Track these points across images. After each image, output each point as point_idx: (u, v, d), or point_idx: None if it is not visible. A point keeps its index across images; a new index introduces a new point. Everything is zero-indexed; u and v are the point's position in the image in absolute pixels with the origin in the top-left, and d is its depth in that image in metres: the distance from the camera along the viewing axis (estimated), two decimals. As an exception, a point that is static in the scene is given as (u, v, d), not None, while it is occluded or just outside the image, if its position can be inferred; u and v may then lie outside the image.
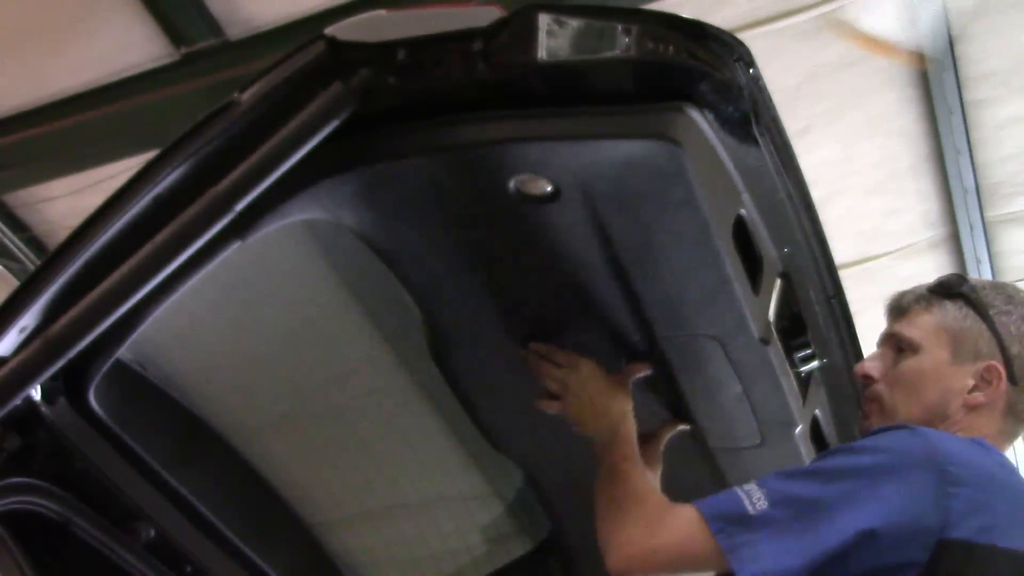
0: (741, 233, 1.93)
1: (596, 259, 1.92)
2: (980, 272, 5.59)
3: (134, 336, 1.89)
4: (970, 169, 5.17)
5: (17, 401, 1.82)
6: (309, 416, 2.51)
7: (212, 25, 4.87)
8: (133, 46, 4.98)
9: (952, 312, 1.91)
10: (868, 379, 1.95)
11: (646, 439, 2.20)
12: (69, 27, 4.90)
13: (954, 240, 5.54)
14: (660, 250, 1.90)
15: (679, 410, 2.26)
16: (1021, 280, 5.67)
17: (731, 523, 1.66)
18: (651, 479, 2.06)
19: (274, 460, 2.55)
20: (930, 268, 5.69)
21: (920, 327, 1.93)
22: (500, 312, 2.13)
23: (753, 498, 1.67)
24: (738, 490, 1.71)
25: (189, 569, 2.29)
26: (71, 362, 1.78)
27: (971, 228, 5.43)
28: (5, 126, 5.27)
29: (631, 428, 2.04)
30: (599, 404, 2.06)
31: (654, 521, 1.76)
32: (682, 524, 1.72)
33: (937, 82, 4.80)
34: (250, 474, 2.52)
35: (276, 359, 2.38)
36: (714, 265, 1.89)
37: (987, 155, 5.17)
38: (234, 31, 4.90)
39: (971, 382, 1.87)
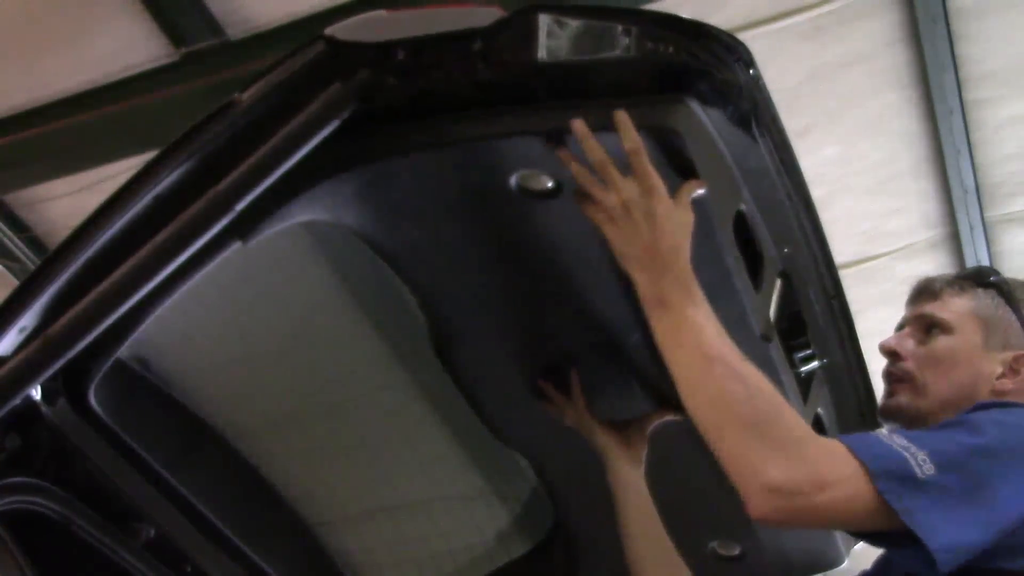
0: (742, 229, 1.93)
1: (598, 253, 1.92)
2: (980, 272, 5.59)
3: (134, 336, 1.89)
4: (970, 169, 5.17)
5: (17, 401, 1.82)
6: (309, 416, 2.51)
7: (212, 25, 4.87)
8: (133, 46, 4.98)
9: (985, 300, 1.94)
10: (895, 355, 1.94)
11: (632, 423, 2.20)
12: (69, 27, 4.90)
13: (954, 240, 5.54)
14: None
15: (679, 406, 2.26)
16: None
17: (900, 483, 1.53)
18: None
19: (274, 460, 2.55)
20: (930, 268, 5.68)
21: (953, 310, 1.94)
22: (503, 307, 2.13)
23: (918, 458, 1.55)
24: (889, 442, 1.58)
25: (189, 569, 2.29)
26: (71, 362, 1.78)
27: (971, 228, 5.43)
28: (5, 126, 5.27)
29: (693, 281, 1.71)
30: (663, 235, 1.69)
31: (822, 468, 1.53)
32: (849, 477, 1.53)
33: (937, 82, 4.80)
34: (250, 474, 2.52)
35: (276, 359, 2.38)
36: (715, 259, 1.89)
37: (987, 155, 5.17)
38: (234, 31, 4.90)
39: (1000, 369, 1.88)
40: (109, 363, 1.95)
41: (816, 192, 2.06)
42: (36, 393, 1.94)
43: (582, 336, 2.17)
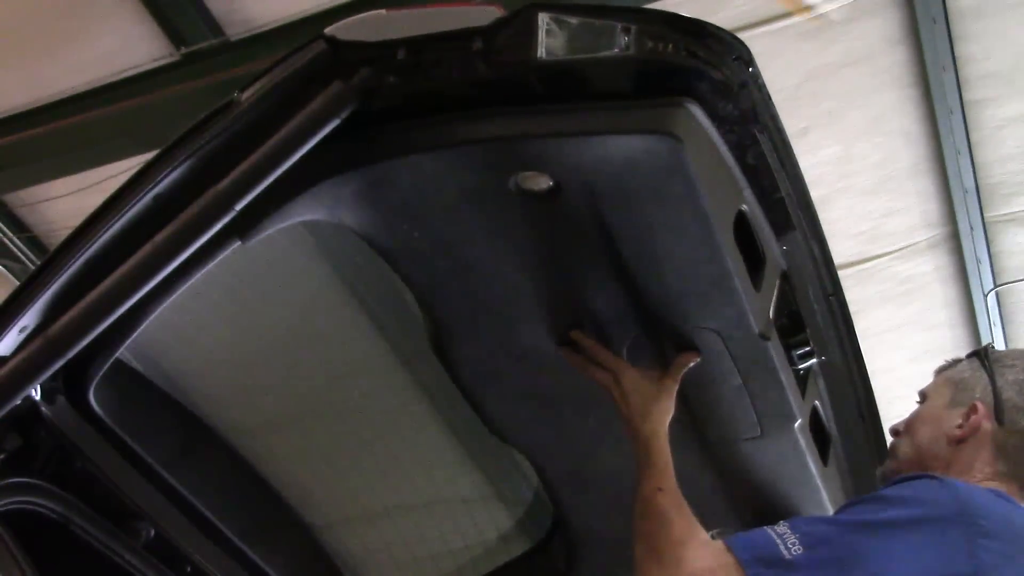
0: (742, 229, 1.93)
1: (597, 254, 1.92)
2: (980, 272, 5.59)
3: (134, 336, 1.89)
4: (970, 169, 5.17)
5: (17, 401, 1.82)
6: (309, 416, 2.52)
7: (212, 25, 4.87)
8: (133, 46, 4.98)
9: (963, 366, 2.12)
10: (895, 432, 2.15)
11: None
12: (69, 27, 4.90)
13: (954, 240, 5.54)
14: (661, 244, 1.90)
15: (680, 402, 2.26)
16: (1021, 280, 5.68)
17: (767, 566, 1.67)
18: (686, 509, 2.01)
19: (274, 460, 2.55)
20: (930, 268, 5.69)
21: (933, 381, 2.16)
22: (502, 306, 2.13)
23: (788, 542, 1.68)
24: (770, 531, 1.72)
25: (189, 569, 2.29)
26: (71, 362, 1.78)
27: (971, 228, 5.43)
28: (5, 126, 5.28)
29: (663, 446, 2.04)
30: (639, 409, 2.07)
31: (684, 553, 1.76)
32: (711, 560, 1.73)
33: (937, 82, 4.80)
34: (250, 474, 2.52)
35: (276, 359, 2.38)
36: (715, 260, 1.89)
37: (987, 155, 5.17)
38: (234, 31, 4.90)
39: (958, 421, 2.02)
40: (109, 363, 1.95)
41: (816, 192, 2.07)
42: (36, 393, 1.94)
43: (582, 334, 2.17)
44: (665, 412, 2.06)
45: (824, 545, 1.68)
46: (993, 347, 2.16)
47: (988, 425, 1.99)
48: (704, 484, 2.34)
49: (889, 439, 2.20)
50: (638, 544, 1.89)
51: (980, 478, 1.94)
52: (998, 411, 1.99)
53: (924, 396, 2.14)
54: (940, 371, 2.18)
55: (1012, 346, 6.06)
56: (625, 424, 2.07)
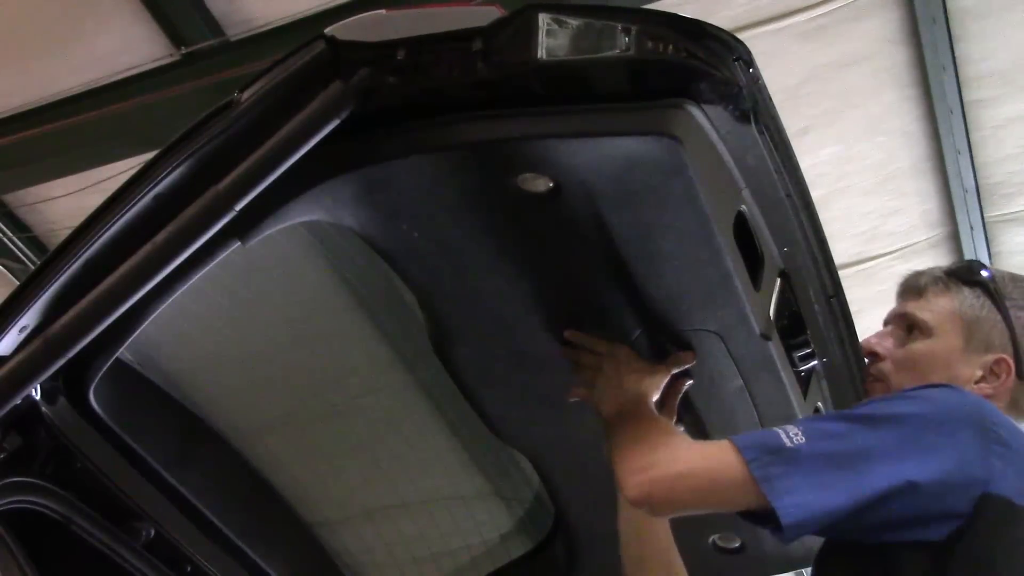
0: (742, 230, 1.93)
1: (597, 255, 1.92)
2: (980, 272, 5.59)
3: (134, 336, 1.89)
4: (970, 169, 5.17)
5: (17, 400, 1.82)
6: (309, 416, 2.52)
7: (212, 25, 4.87)
8: (133, 46, 4.98)
9: (970, 299, 1.87)
10: (874, 356, 1.91)
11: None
12: (69, 27, 4.90)
13: (954, 240, 5.54)
14: (661, 246, 1.91)
15: (681, 404, 2.26)
16: (1021, 280, 5.68)
17: (766, 453, 1.58)
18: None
19: (274, 460, 2.55)
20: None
21: (935, 310, 1.88)
22: (502, 307, 2.13)
23: (790, 433, 1.60)
24: (775, 428, 1.65)
25: (189, 569, 2.30)
26: (71, 362, 1.78)
27: (971, 228, 5.43)
28: (5, 126, 5.28)
29: (651, 408, 1.94)
30: (627, 386, 1.96)
31: (681, 447, 1.69)
32: (712, 450, 1.64)
33: (937, 82, 4.80)
34: (250, 474, 2.53)
35: (276, 359, 2.38)
36: (715, 261, 1.89)
37: (987, 155, 5.17)
38: (234, 31, 4.90)
39: (979, 373, 1.83)
40: (109, 363, 1.95)
41: (816, 192, 2.06)
42: (36, 393, 1.94)
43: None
44: (655, 389, 1.97)
45: (829, 438, 1.60)
46: (988, 269, 1.92)
47: (1010, 382, 1.84)
48: None
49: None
50: (627, 441, 1.79)
51: None
52: (1018, 365, 1.83)
53: (926, 327, 1.88)
54: (931, 288, 1.91)
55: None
56: (610, 391, 1.96)
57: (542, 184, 1.81)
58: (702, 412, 2.28)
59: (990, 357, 1.84)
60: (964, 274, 1.91)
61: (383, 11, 1.78)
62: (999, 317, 1.85)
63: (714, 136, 1.76)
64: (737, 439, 1.63)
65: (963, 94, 4.86)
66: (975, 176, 5.21)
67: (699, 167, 1.76)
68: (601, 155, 1.75)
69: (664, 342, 2.13)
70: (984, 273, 1.89)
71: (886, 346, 1.91)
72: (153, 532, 2.21)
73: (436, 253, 2.01)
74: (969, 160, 5.12)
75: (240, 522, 2.40)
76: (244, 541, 2.39)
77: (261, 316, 2.30)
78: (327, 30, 1.71)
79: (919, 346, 1.87)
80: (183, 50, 4.92)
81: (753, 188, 1.91)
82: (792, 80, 4.82)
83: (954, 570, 1.54)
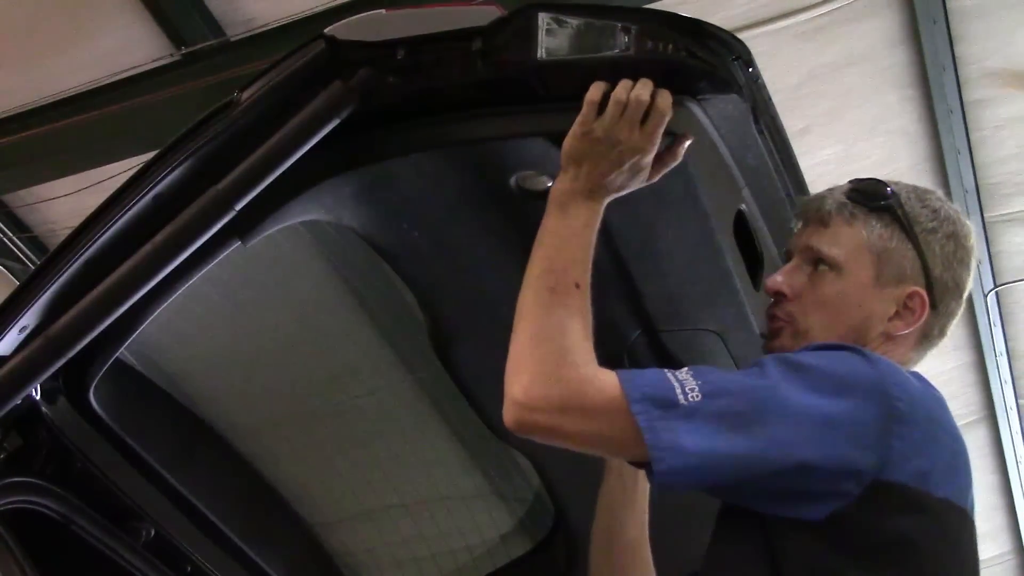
0: (742, 229, 1.93)
1: (597, 254, 1.92)
2: (980, 272, 5.59)
3: (134, 336, 1.89)
4: (970, 169, 5.16)
5: (18, 400, 1.83)
6: (309, 416, 2.52)
7: (212, 25, 4.87)
8: (133, 46, 4.97)
9: (878, 230, 1.73)
10: (781, 295, 1.74)
11: None
12: (69, 27, 4.90)
13: (954, 240, 5.53)
14: (661, 245, 1.91)
15: None
16: (1021, 280, 5.68)
17: (656, 406, 1.49)
18: (589, 318, 1.67)
19: (274, 460, 2.55)
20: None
21: (843, 244, 1.73)
22: (503, 306, 2.13)
23: (686, 387, 1.50)
24: (668, 373, 1.53)
25: (189, 569, 2.30)
26: (71, 361, 1.78)
27: (971, 228, 5.43)
28: (5, 126, 5.27)
29: (596, 220, 1.70)
30: (614, 149, 1.66)
31: (574, 393, 1.53)
32: (607, 404, 1.51)
33: (937, 82, 4.80)
34: (250, 474, 2.53)
35: (276, 359, 2.38)
36: (715, 260, 1.89)
37: (987, 155, 5.16)
38: (234, 31, 4.90)
39: (893, 308, 1.72)
40: (109, 363, 1.95)
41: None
42: (36, 393, 1.94)
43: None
44: (634, 172, 1.68)
45: (724, 396, 1.49)
46: (893, 191, 1.75)
47: (925, 315, 1.72)
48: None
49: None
50: (522, 339, 1.60)
51: (896, 359, 1.70)
52: (931, 295, 1.72)
53: (835, 263, 1.72)
54: (836, 218, 1.74)
55: (1013, 346, 6.05)
56: (583, 157, 1.66)
57: (542, 183, 1.81)
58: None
59: (902, 290, 1.72)
60: (868, 199, 1.75)
61: (383, 11, 1.78)
62: (909, 245, 1.72)
63: (714, 135, 1.76)
64: (628, 383, 1.52)
65: (963, 94, 4.86)
66: (975, 176, 5.20)
67: (699, 166, 1.76)
68: None
69: (664, 343, 2.14)
70: (889, 192, 1.75)
71: (793, 285, 1.74)
72: (153, 532, 2.21)
73: (436, 253, 2.01)
74: (969, 160, 5.12)
75: (240, 522, 2.40)
76: (244, 541, 2.39)
77: (261, 316, 2.30)
78: (327, 30, 1.71)
79: (828, 284, 1.72)
80: (183, 50, 4.91)
81: (753, 188, 1.91)
82: (792, 80, 4.81)
83: (831, 552, 1.50)
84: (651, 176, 1.70)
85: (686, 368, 1.55)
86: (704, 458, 1.47)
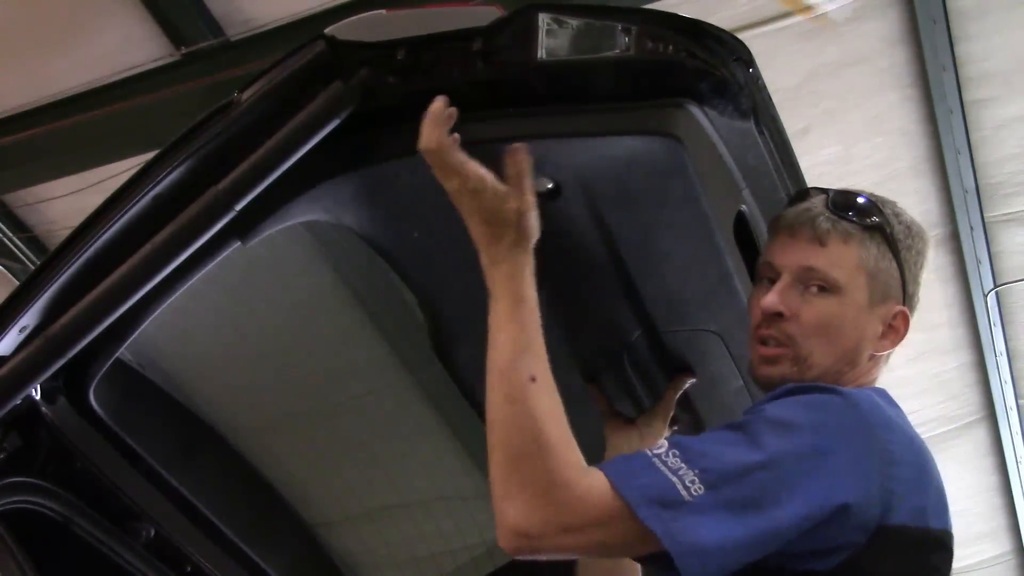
0: (742, 230, 1.93)
1: (597, 255, 1.92)
2: (980, 272, 5.59)
3: (134, 336, 1.90)
4: (970, 169, 5.16)
5: (17, 400, 1.83)
6: (309, 416, 2.52)
7: (212, 25, 4.87)
8: (133, 46, 4.98)
9: (872, 250, 1.71)
10: (777, 316, 1.70)
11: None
12: (69, 27, 4.90)
13: (954, 240, 5.54)
14: (662, 246, 1.91)
15: (681, 404, 2.26)
16: (1021, 280, 5.68)
17: (664, 508, 1.44)
18: (560, 411, 1.59)
19: (274, 460, 2.55)
20: (930, 267, 5.68)
21: (842, 265, 1.69)
22: None
23: (685, 480, 1.46)
24: (659, 464, 1.48)
25: (189, 569, 2.30)
26: (71, 361, 1.78)
27: (971, 228, 5.42)
28: (5, 126, 5.27)
29: (531, 291, 1.64)
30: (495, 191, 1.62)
31: (570, 512, 1.47)
32: (608, 515, 1.47)
33: (937, 82, 4.80)
34: (250, 474, 2.53)
35: (276, 359, 2.38)
36: (715, 261, 1.89)
37: (987, 155, 5.16)
38: (234, 31, 4.90)
39: (880, 328, 1.72)
40: (109, 363, 1.95)
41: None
42: (36, 393, 1.94)
43: (580, 335, 2.17)
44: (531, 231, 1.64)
45: (727, 485, 1.46)
46: (882, 211, 1.74)
47: (906, 333, 1.72)
48: None
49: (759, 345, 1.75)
50: (500, 460, 1.53)
51: (870, 381, 1.73)
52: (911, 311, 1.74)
53: (836, 285, 1.69)
54: (832, 237, 1.70)
55: (1013, 346, 6.05)
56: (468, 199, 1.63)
57: (542, 184, 1.81)
58: (702, 412, 2.29)
59: (887, 309, 1.72)
60: (860, 217, 1.72)
61: (383, 11, 1.78)
62: (895, 265, 1.72)
63: (714, 136, 1.76)
64: (626, 488, 1.46)
65: (963, 94, 4.86)
66: (975, 176, 5.20)
67: (699, 167, 1.76)
68: (601, 155, 1.75)
69: (664, 344, 2.14)
70: (880, 216, 1.73)
71: (790, 305, 1.69)
72: (153, 532, 2.21)
73: (436, 253, 2.01)
74: (969, 160, 5.12)
75: (240, 522, 2.40)
76: (244, 541, 2.39)
77: (261, 316, 2.30)
78: (327, 30, 1.71)
79: (828, 307, 1.69)
80: (183, 50, 4.91)
81: (753, 188, 1.91)
82: (792, 80, 4.81)
83: None
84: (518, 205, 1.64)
85: (670, 451, 1.50)
86: (727, 549, 1.46)
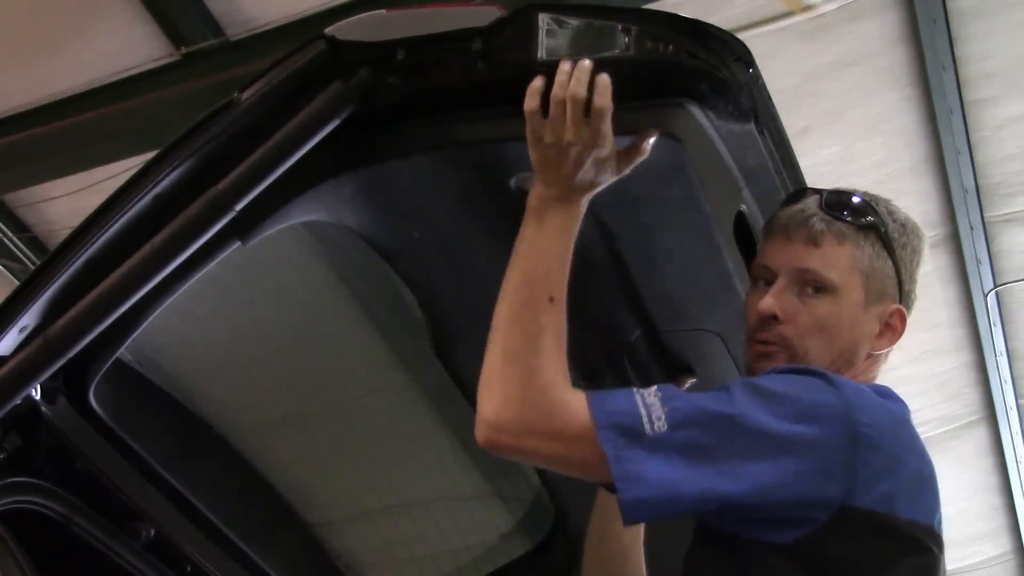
0: (742, 229, 1.93)
1: (598, 255, 1.93)
2: (980, 272, 5.59)
3: (134, 336, 1.90)
4: (970, 169, 5.16)
5: (17, 400, 1.83)
6: (309, 416, 2.52)
7: (212, 25, 4.87)
8: (133, 46, 4.98)
9: (867, 250, 1.72)
10: (772, 320, 1.70)
11: None
12: (69, 27, 4.90)
13: (954, 240, 5.54)
14: (661, 246, 1.91)
15: None
16: (1021, 280, 5.68)
17: (622, 435, 1.49)
18: (564, 335, 1.64)
19: (274, 460, 2.55)
20: (930, 267, 5.65)
21: (837, 266, 1.70)
22: None
23: (653, 415, 1.49)
24: (637, 396, 1.53)
25: (189, 569, 2.30)
26: (71, 362, 1.78)
27: (971, 228, 5.42)
28: (5, 126, 5.27)
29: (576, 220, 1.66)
30: (575, 153, 1.61)
31: (541, 416, 1.53)
32: (568, 418, 1.52)
33: (937, 82, 4.80)
34: (250, 474, 2.53)
35: (276, 359, 2.38)
36: (715, 261, 1.89)
37: (987, 155, 5.16)
38: (234, 31, 4.90)
39: (877, 327, 1.73)
40: (109, 363, 1.95)
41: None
42: (36, 393, 1.94)
43: (580, 335, 2.16)
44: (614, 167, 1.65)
45: (690, 427, 1.49)
46: (875, 209, 1.74)
47: (903, 331, 1.74)
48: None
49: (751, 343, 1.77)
50: (494, 356, 1.58)
51: (868, 379, 1.74)
52: (907, 310, 1.75)
53: (832, 286, 1.70)
54: (827, 237, 1.70)
55: (1013, 346, 6.06)
56: (547, 167, 1.62)
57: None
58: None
59: (884, 308, 1.73)
60: (855, 217, 1.73)
61: (383, 11, 1.78)
62: (891, 264, 1.73)
63: (714, 136, 1.76)
64: (598, 408, 1.52)
65: (963, 94, 4.86)
66: (975, 176, 5.20)
67: (699, 167, 1.76)
68: None
69: (664, 344, 2.14)
70: (874, 216, 1.74)
71: (786, 308, 1.70)
72: (153, 532, 2.21)
73: (436, 253, 2.01)
74: (969, 160, 5.12)
75: (240, 522, 2.40)
76: (244, 541, 2.39)
77: (261, 316, 2.30)
78: (327, 30, 1.71)
79: (825, 307, 1.70)
80: (183, 50, 4.91)
81: (753, 188, 1.91)
82: (792, 80, 4.81)
83: (799, 574, 1.52)
84: (620, 169, 1.66)
85: (655, 388, 1.55)
86: (668, 491, 1.49)
